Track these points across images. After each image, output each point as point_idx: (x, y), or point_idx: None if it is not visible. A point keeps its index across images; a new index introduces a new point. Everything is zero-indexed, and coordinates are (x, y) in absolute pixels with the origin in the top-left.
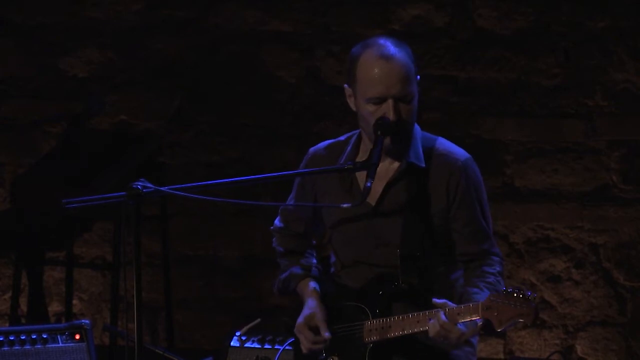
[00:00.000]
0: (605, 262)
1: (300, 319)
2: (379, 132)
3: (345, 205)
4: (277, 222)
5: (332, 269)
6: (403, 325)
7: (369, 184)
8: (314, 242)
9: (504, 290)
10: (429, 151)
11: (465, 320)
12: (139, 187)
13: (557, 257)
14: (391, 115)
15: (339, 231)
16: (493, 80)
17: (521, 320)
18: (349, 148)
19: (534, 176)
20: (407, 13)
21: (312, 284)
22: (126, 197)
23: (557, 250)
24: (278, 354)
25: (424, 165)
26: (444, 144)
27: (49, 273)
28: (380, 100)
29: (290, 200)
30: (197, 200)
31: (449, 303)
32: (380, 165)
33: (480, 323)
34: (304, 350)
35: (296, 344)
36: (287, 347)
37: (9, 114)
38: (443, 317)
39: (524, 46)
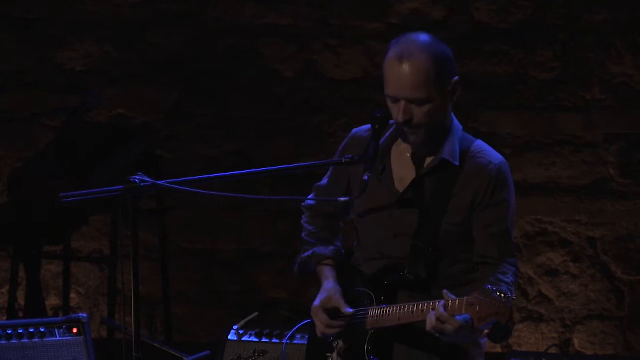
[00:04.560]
0: (603, 256)
1: (316, 302)
2: (376, 126)
3: (342, 199)
4: (309, 200)
5: (355, 254)
6: (399, 315)
7: (365, 177)
8: (342, 224)
9: (488, 289)
10: (465, 151)
11: (454, 315)
12: (136, 180)
13: (555, 251)
14: (399, 117)
15: (365, 213)
16: (491, 73)
17: (496, 319)
18: (388, 133)
19: (532, 170)
20: (404, 7)
21: (332, 267)
22: (123, 190)
23: (555, 244)
24: (284, 347)
25: (458, 163)
26: (481, 145)
27: (47, 267)
28: (394, 99)
29: (325, 179)
30: (195, 194)
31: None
32: (414, 155)
33: (486, 331)
34: (318, 334)
35: (313, 326)
36: (288, 336)
37: (7, 107)
38: (442, 309)
39: (522, 40)
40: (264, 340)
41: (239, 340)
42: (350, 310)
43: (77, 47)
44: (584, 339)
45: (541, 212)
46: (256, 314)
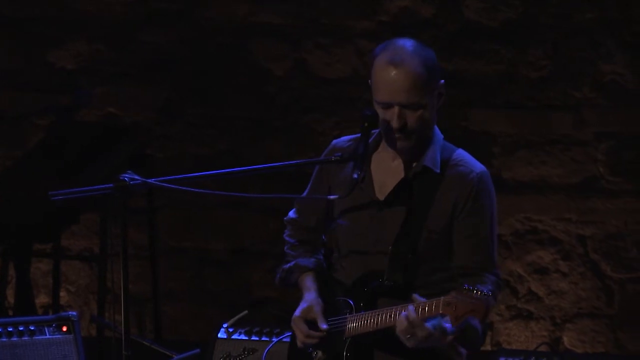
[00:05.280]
0: (593, 254)
1: (296, 312)
2: (365, 124)
3: (331, 197)
4: (291, 213)
5: (333, 264)
6: (376, 321)
7: (355, 176)
8: (324, 237)
9: (465, 288)
10: (446, 160)
11: (431, 316)
12: (126, 179)
13: (544, 249)
14: (394, 123)
15: (345, 221)
16: (481, 72)
17: (472, 316)
18: (369, 140)
19: (522, 168)
20: (394, 5)
21: (313, 278)
22: (113, 189)
23: (545, 242)
24: (270, 346)
25: (439, 171)
26: (462, 154)
27: (36, 265)
28: (386, 105)
29: (305, 192)
30: (185, 192)
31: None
32: (396, 162)
33: (451, 333)
34: (298, 344)
35: (293, 336)
36: (276, 340)
37: None
38: (413, 312)
39: (512, 38)
40: (253, 338)
41: (229, 339)
42: (325, 327)
43: (68, 46)
44: (573, 337)
45: (531, 210)
46: (246, 312)
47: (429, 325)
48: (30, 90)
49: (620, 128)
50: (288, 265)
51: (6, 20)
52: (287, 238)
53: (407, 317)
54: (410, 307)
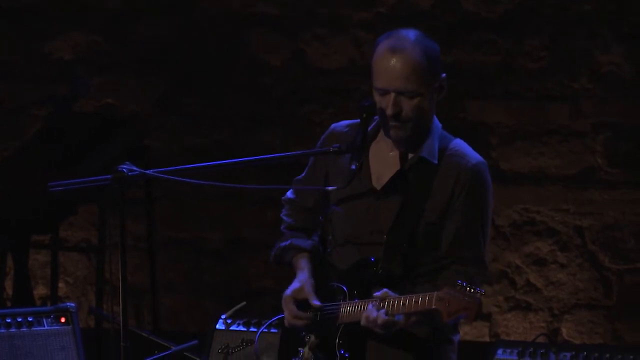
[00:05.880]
0: (591, 245)
1: (287, 291)
2: (364, 115)
3: (330, 188)
4: (289, 193)
5: (328, 249)
6: (358, 312)
7: (353, 167)
8: (321, 218)
9: (459, 285)
10: (443, 150)
11: (418, 310)
12: (124, 170)
13: (542, 240)
14: (389, 109)
15: (341, 209)
16: (479, 63)
17: (465, 314)
18: (368, 129)
19: (520, 159)
20: None
21: (308, 259)
22: (111, 180)
23: (543, 233)
24: (258, 334)
25: (436, 161)
26: (459, 144)
27: (34, 256)
28: (384, 92)
29: (304, 173)
30: (183, 184)
31: (390, 293)
32: (393, 153)
33: (414, 314)
34: (285, 324)
35: (282, 319)
36: (265, 330)
37: None
38: (373, 314)
39: (510, 29)
40: (252, 329)
41: (227, 330)
42: (317, 303)
43: (65, 37)
44: (572, 328)
45: (529, 201)
46: (244, 303)
47: (397, 317)
48: (28, 81)
49: (618, 119)
50: (284, 243)
51: (3, 11)
52: (284, 217)
53: (367, 318)
54: (371, 306)
